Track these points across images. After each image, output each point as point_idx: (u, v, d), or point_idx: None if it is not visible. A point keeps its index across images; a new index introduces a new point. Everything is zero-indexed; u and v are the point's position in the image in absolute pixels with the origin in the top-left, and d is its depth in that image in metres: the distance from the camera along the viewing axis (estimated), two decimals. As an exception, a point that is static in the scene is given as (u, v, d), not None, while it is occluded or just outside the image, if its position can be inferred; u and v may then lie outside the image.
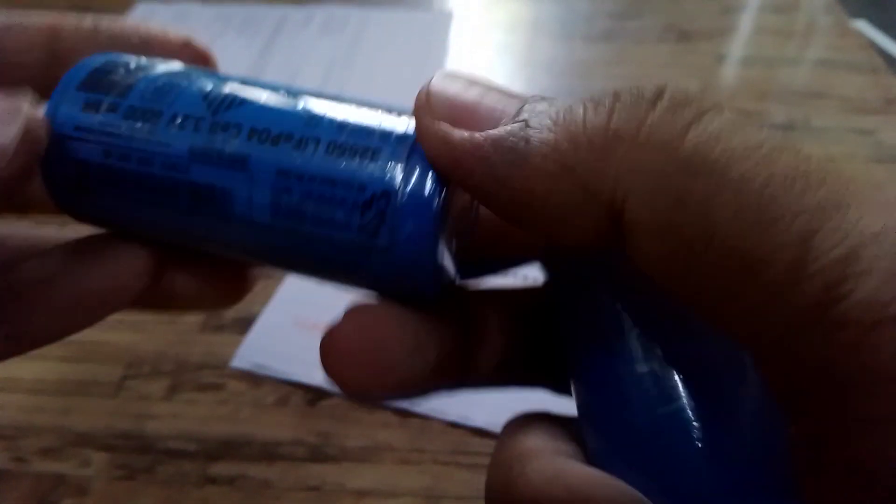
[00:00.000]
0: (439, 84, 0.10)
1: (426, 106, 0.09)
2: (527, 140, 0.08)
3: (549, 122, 0.08)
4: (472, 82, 0.10)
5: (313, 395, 0.23)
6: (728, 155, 0.07)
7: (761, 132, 0.08)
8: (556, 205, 0.08)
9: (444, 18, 0.44)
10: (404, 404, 0.22)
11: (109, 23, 0.12)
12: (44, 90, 0.11)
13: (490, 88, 0.09)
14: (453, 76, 0.10)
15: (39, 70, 0.12)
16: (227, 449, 0.21)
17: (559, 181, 0.08)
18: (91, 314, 0.11)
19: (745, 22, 0.45)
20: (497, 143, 0.09)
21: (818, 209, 0.07)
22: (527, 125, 0.08)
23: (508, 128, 0.09)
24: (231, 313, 0.25)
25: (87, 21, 0.12)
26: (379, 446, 0.21)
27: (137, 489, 0.20)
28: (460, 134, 0.09)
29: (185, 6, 0.45)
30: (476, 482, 0.20)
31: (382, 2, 0.45)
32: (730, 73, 0.40)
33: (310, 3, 0.45)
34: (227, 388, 0.23)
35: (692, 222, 0.07)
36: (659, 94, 0.08)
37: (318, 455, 0.21)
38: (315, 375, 0.23)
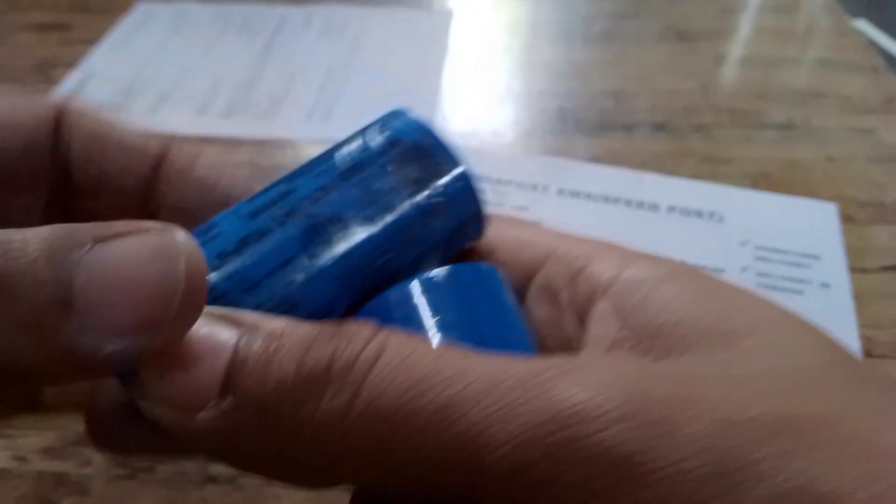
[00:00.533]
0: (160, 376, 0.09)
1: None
2: (235, 430, 0.09)
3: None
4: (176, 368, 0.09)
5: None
6: (392, 406, 0.08)
7: (425, 351, 0.09)
8: None
9: (444, 18, 0.44)
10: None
11: (205, 159, 0.13)
12: (126, 206, 0.12)
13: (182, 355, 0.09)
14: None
15: (130, 194, 0.12)
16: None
17: None
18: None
19: (745, 22, 0.45)
20: (208, 434, 0.09)
21: (478, 421, 0.08)
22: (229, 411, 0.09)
23: (214, 414, 0.09)
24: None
25: (190, 154, 0.13)
26: (379, 445, 0.21)
27: (138, 488, 0.20)
28: (174, 420, 0.09)
29: (184, 6, 0.45)
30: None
31: (382, 1, 0.45)
32: (729, 73, 0.40)
33: (310, 3, 0.45)
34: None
35: None
36: (325, 380, 0.08)
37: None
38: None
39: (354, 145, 0.12)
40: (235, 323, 0.09)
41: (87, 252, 0.08)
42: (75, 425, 0.22)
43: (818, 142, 0.34)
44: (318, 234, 0.10)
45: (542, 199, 0.31)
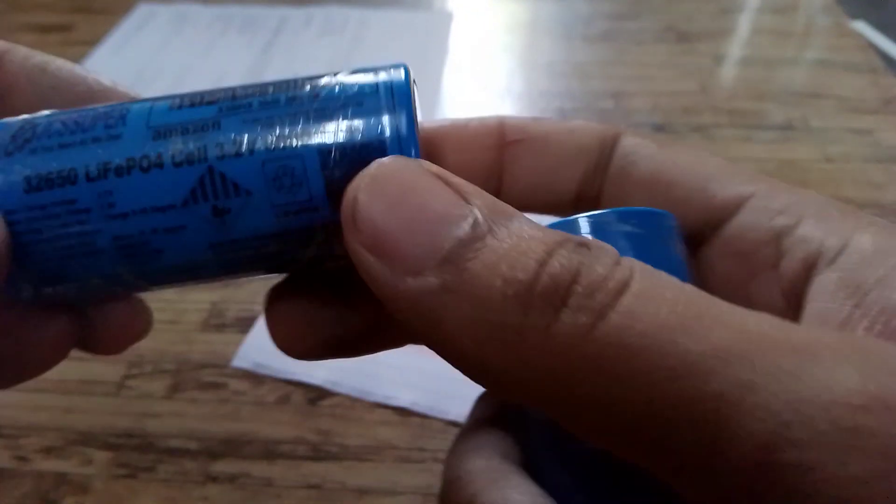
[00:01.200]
0: (365, 201, 0.08)
1: (352, 225, 0.08)
2: (444, 308, 0.08)
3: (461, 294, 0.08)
4: (401, 198, 0.08)
5: (314, 393, 0.23)
6: (639, 342, 0.07)
7: (675, 289, 0.07)
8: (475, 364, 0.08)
9: (444, 19, 0.44)
10: (405, 404, 0.22)
11: (59, 65, 0.12)
12: None
13: (419, 209, 0.08)
14: (385, 183, 0.08)
15: None
16: (229, 447, 0.21)
17: (474, 357, 0.08)
18: (15, 378, 0.11)
19: (744, 23, 0.45)
20: (413, 301, 0.08)
21: (741, 385, 0.07)
22: (444, 289, 0.08)
23: (426, 285, 0.08)
24: (232, 312, 0.25)
25: (38, 57, 0.12)
26: (379, 445, 0.21)
27: (139, 487, 0.20)
28: (382, 274, 0.08)
29: (185, 6, 0.45)
30: (476, 480, 0.20)
31: (382, 2, 0.45)
32: (728, 73, 0.40)
33: (310, 4, 0.45)
34: (228, 387, 0.23)
35: (618, 410, 0.07)
36: (567, 291, 0.07)
37: (318, 453, 0.21)
38: (316, 375, 0.23)
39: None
40: (477, 198, 0.08)
41: None
42: (76, 424, 0.22)
43: (817, 142, 0.34)
44: (205, 193, 0.09)
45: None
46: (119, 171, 0.09)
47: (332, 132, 0.09)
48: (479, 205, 0.08)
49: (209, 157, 0.09)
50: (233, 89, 0.09)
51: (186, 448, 0.21)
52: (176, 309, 0.25)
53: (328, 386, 0.23)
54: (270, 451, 0.21)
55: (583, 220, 0.10)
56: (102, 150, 0.09)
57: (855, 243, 0.09)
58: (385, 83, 0.09)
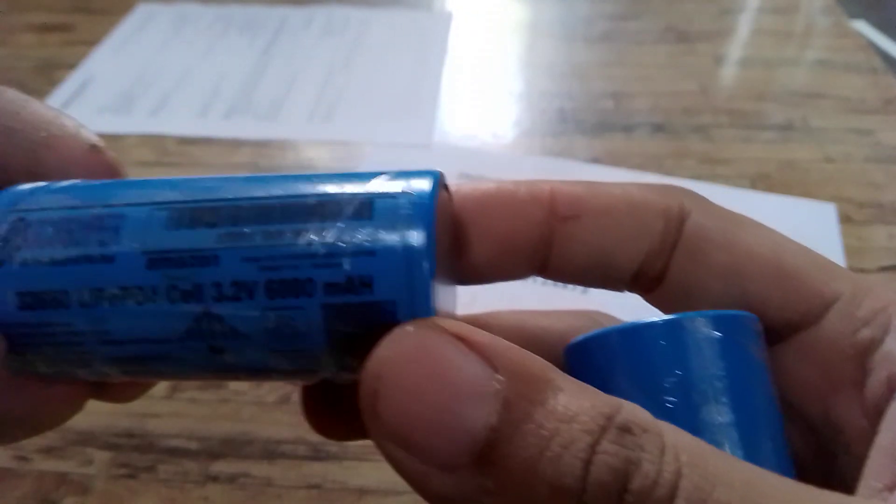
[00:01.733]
0: (386, 394, 0.07)
1: (372, 416, 0.08)
2: None
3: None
4: (425, 384, 0.07)
5: (314, 394, 0.23)
6: None
7: (726, 487, 0.07)
8: None
9: (444, 19, 0.44)
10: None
11: (29, 107, 0.11)
12: None
13: (444, 392, 0.07)
14: (405, 368, 0.07)
15: None
16: (229, 447, 0.21)
17: None
18: (28, 433, 0.10)
19: (744, 23, 0.45)
20: (450, 501, 0.07)
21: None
22: (482, 491, 0.07)
23: (462, 487, 0.07)
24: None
25: (9, 101, 0.11)
26: (380, 445, 0.21)
27: (139, 488, 0.20)
28: (414, 469, 0.07)
29: (186, 7, 0.45)
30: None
31: (382, 3, 0.45)
32: (728, 74, 0.40)
33: (310, 4, 0.45)
34: (228, 387, 0.23)
35: None
36: (619, 501, 0.07)
37: (319, 453, 0.21)
38: (316, 374, 0.23)
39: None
40: (504, 362, 0.07)
41: None
42: (76, 424, 0.22)
43: (817, 142, 0.34)
44: (202, 333, 0.08)
45: (541, 200, 0.31)
46: (113, 300, 0.08)
47: (339, 285, 0.08)
48: (507, 372, 0.07)
49: (205, 297, 0.08)
50: (236, 206, 0.08)
51: (187, 448, 0.21)
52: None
53: (328, 386, 0.23)
54: (271, 451, 0.21)
55: (663, 326, 0.09)
56: (95, 274, 0.08)
57: None
58: (405, 228, 0.08)
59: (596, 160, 0.33)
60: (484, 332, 0.08)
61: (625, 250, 0.10)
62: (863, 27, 0.99)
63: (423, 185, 0.08)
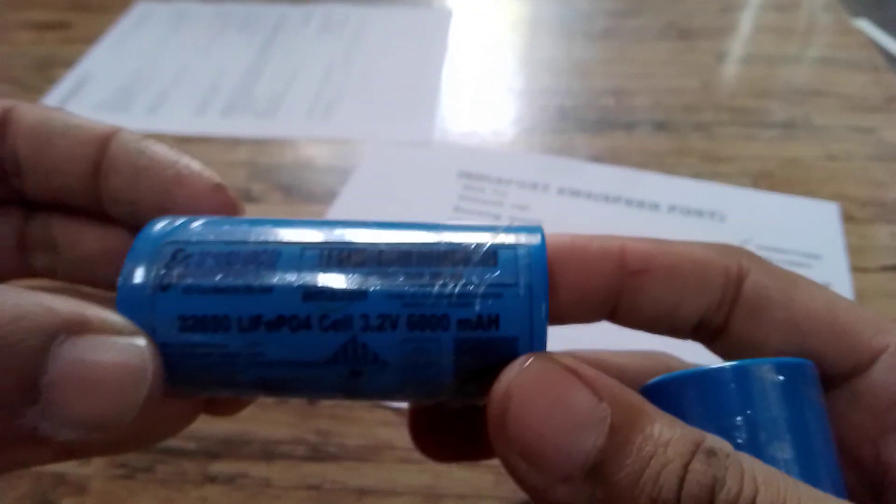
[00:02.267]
0: (516, 414, 0.09)
1: (500, 431, 0.09)
2: None
3: None
4: (550, 409, 0.09)
5: (313, 393, 0.23)
6: None
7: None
8: None
9: (444, 16, 0.44)
10: (404, 404, 0.22)
11: (155, 148, 0.12)
12: (76, 195, 0.12)
13: (565, 417, 0.09)
14: (534, 395, 0.09)
15: (79, 179, 0.12)
16: (227, 448, 0.21)
17: None
18: (144, 444, 0.11)
19: (746, 20, 0.44)
20: None
21: None
22: (593, 501, 0.09)
23: (576, 496, 0.09)
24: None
25: (136, 141, 0.12)
26: (379, 445, 0.21)
27: (137, 488, 0.20)
28: (534, 480, 0.09)
29: (184, 5, 0.45)
30: (476, 481, 0.20)
31: (382, 0, 0.45)
32: (730, 71, 0.40)
33: (309, 1, 0.45)
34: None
35: None
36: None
37: (318, 454, 0.21)
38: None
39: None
40: (608, 394, 0.09)
41: (60, 345, 0.08)
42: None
43: (819, 140, 0.34)
44: (346, 358, 0.10)
45: (542, 198, 0.31)
46: (270, 327, 0.09)
47: (471, 321, 0.10)
48: (611, 403, 0.09)
49: (354, 327, 0.09)
50: (378, 250, 0.10)
51: (185, 448, 0.21)
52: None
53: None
54: (269, 452, 0.21)
55: (733, 371, 0.10)
56: (255, 303, 0.09)
57: None
58: (525, 277, 0.10)
59: (597, 158, 0.33)
60: (588, 367, 0.09)
61: (688, 304, 0.11)
62: (865, 25, 0.98)
63: (535, 238, 0.10)
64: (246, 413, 0.22)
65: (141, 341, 0.09)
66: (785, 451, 0.10)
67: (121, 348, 0.09)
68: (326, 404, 0.22)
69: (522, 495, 0.20)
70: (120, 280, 0.10)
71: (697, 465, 0.08)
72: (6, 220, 0.13)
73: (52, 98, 0.37)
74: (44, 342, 0.08)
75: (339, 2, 0.45)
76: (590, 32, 0.42)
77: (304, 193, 0.31)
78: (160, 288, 0.10)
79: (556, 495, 0.09)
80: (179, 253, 0.10)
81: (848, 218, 0.30)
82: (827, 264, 0.27)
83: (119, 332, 0.09)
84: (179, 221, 0.10)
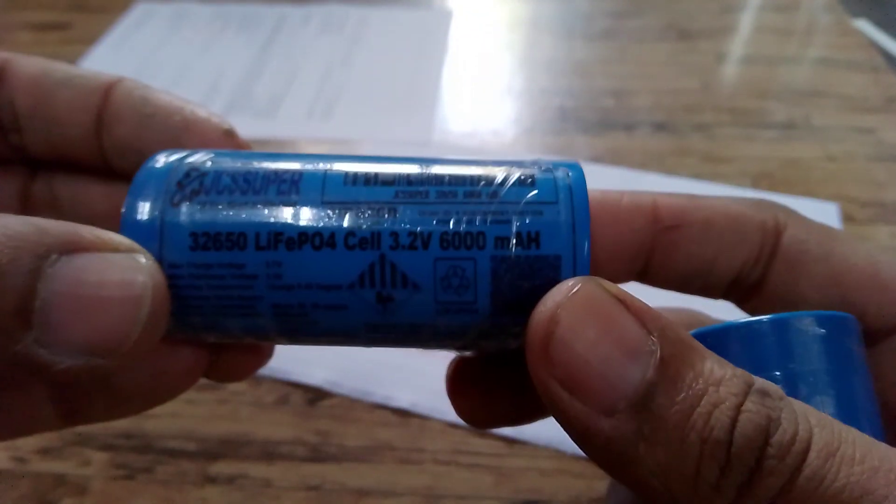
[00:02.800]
0: (565, 337, 0.08)
1: (542, 356, 0.08)
2: (637, 452, 0.08)
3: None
4: (601, 335, 0.08)
5: (313, 394, 0.23)
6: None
7: (851, 444, 0.08)
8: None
9: (444, 16, 0.44)
10: (404, 405, 0.22)
11: (160, 96, 0.12)
12: (80, 149, 0.11)
13: (615, 346, 0.08)
14: (584, 317, 0.08)
15: (82, 130, 0.12)
16: (227, 448, 0.21)
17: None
18: (146, 404, 0.11)
19: (746, 21, 0.45)
20: (607, 441, 0.08)
21: None
22: (639, 435, 0.08)
23: (622, 429, 0.08)
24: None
25: (141, 89, 0.12)
26: (379, 446, 0.21)
27: (137, 489, 0.20)
28: (575, 410, 0.08)
29: (184, 5, 0.45)
30: (476, 482, 0.20)
31: (382, 0, 0.45)
32: (730, 71, 0.40)
33: (309, 2, 0.45)
34: (226, 388, 0.23)
35: None
36: (761, 452, 0.08)
37: (317, 454, 0.21)
38: (315, 375, 0.23)
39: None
40: (657, 327, 0.08)
41: (53, 265, 0.08)
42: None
43: (819, 141, 0.34)
44: (373, 280, 0.09)
45: (542, 199, 0.31)
46: (290, 245, 0.09)
47: (508, 238, 0.09)
48: (661, 336, 0.08)
49: (383, 245, 0.09)
50: (407, 172, 0.09)
51: (184, 449, 0.21)
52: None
53: (327, 387, 0.23)
54: (269, 452, 0.21)
55: (773, 323, 0.10)
56: (275, 219, 0.09)
57: None
58: (565, 196, 0.09)
59: (597, 158, 0.33)
60: (638, 298, 0.09)
61: (724, 260, 0.11)
62: (864, 26, 0.98)
63: (573, 167, 0.10)
64: (246, 414, 0.22)
65: (141, 258, 0.08)
66: (826, 404, 0.09)
67: (119, 265, 0.08)
68: (326, 405, 0.22)
69: (523, 495, 0.20)
70: (126, 203, 0.09)
71: (751, 406, 0.08)
72: (7, 179, 0.12)
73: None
74: (35, 262, 0.08)
75: (338, 2, 0.45)
76: (590, 33, 0.42)
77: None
78: (171, 203, 0.09)
79: (599, 429, 0.08)
80: (193, 171, 0.09)
81: (847, 218, 0.30)
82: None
83: (116, 248, 0.08)
84: (182, 153, 0.10)
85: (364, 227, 0.09)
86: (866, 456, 0.08)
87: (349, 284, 0.09)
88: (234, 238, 0.09)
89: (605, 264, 0.11)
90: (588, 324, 0.08)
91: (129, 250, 0.08)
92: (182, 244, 0.09)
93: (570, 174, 0.09)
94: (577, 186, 0.09)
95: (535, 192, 0.09)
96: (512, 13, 0.45)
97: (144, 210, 0.09)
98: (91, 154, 0.12)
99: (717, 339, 0.10)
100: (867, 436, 0.08)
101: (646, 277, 0.11)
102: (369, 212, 0.09)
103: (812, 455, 0.08)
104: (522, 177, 0.09)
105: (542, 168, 0.09)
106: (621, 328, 0.08)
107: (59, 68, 0.12)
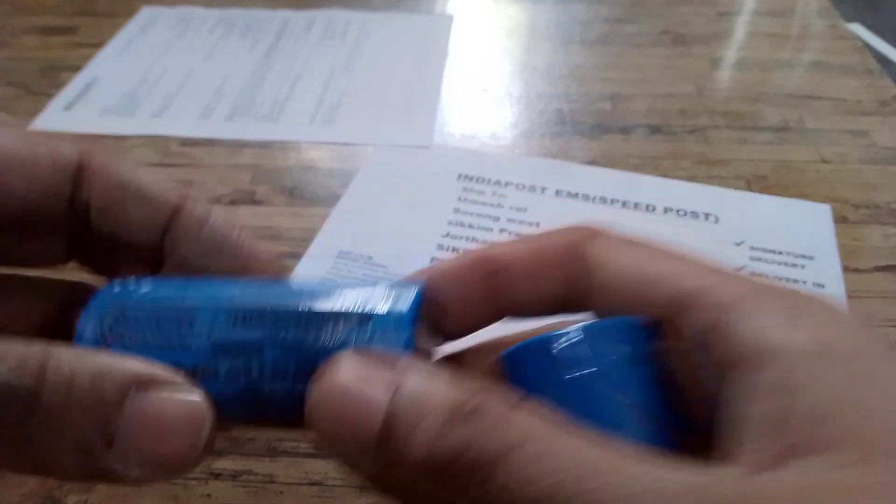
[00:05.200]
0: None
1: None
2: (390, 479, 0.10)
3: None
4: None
5: (316, 391, 0.23)
6: None
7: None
8: None
9: (445, 22, 0.45)
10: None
11: (223, 224, 0.13)
12: (139, 261, 0.13)
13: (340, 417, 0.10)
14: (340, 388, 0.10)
15: (145, 244, 0.13)
16: (232, 445, 0.21)
17: None
18: None
19: (740, 26, 0.45)
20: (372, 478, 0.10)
21: None
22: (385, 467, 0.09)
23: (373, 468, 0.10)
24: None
25: (204, 216, 0.13)
26: (380, 442, 0.22)
27: (142, 485, 0.20)
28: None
29: (188, 9, 0.45)
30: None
31: (383, 6, 0.46)
32: (725, 76, 0.40)
33: (311, 8, 0.46)
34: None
35: None
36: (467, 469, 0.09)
37: (320, 450, 0.21)
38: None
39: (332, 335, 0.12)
40: (391, 367, 0.10)
41: (131, 399, 0.10)
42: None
43: (812, 144, 0.35)
44: (248, 400, 0.12)
45: (540, 201, 0.31)
46: (186, 374, 0.12)
47: None
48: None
49: (252, 375, 0.12)
50: (276, 311, 0.12)
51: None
52: (179, 308, 0.26)
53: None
54: (273, 449, 0.21)
55: (556, 337, 0.11)
56: (175, 356, 0.12)
57: (786, 343, 0.09)
58: (393, 339, 0.12)
59: (593, 161, 0.33)
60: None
61: (542, 289, 0.12)
62: (858, 30, 0.99)
63: (405, 303, 0.12)
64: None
65: (196, 395, 0.11)
66: (620, 405, 0.11)
67: (180, 400, 0.11)
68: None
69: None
70: (76, 331, 0.12)
71: (456, 420, 0.09)
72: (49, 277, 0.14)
73: (59, 102, 0.38)
74: (119, 396, 0.10)
75: (340, 8, 0.46)
76: (587, 38, 0.43)
77: (307, 196, 0.31)
78: (105, 343, 0.12)
79: (365, 468, 0.10)
80: (122, 315, 0.12)
81: (841, 220, 0.30)
82: (820, 265, 0.28)
83: (178, 385, 0.11)
84: (129, 287, 0.13)
85: (239, 362, 0.12)
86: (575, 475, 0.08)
87: (226, 401, 0.12)
88: None
89: (465, 322, 0.13)
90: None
91: (190, 387, 0.11)
92: None
93: (397, 316, 0.12)
94: (404, 326, 0.12)
95: (367, 334, 0.12)
96: (511, 19, 0.46)
97: (89, 343, 0.12)
98: (149, 263, 0.13)
99: (520, 354, 0.12)
100: (599, 450, 0.09)
101: (506, 317, 0.13)
102: (244, 350, 0.12)
103: (512, 463, 0.08)
104: (361, 318, 0.12)
105: (377, 310, 0.12)
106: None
107: (133, 182, 0.13)
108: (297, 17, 0.45)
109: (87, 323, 0.12)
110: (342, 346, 0.12)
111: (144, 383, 0.10)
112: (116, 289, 0.13)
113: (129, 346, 0.12)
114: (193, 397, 0.11)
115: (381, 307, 0.12)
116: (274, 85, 0.39)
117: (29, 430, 0.09)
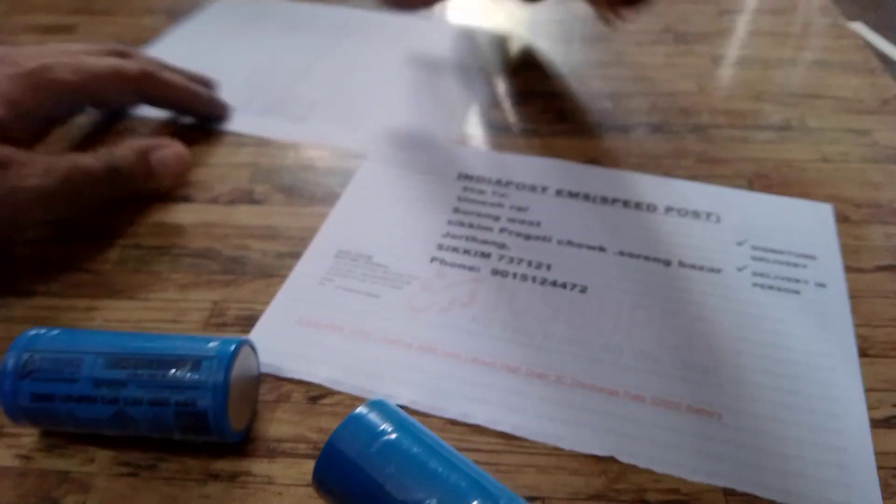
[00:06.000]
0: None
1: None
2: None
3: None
4: None
5: (315, 392, 0.23)
6: None
7: None
8: None
9: (445, 25, 0.44)
10: (404, 402, 0.22)
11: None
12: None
13: None
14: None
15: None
16: (230, 446, 0.21)
17: None
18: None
19: (742, 24, 0.45)
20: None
21: None
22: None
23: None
24: (233, 312, 0.25)
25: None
26: (379, 443, 0.21)
27: (140, 486, 0.20)
28: None
29: (193, 14, 0.45)
30: (475, 478, 0.20)
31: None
32: (726, 74, 0.40)
33: (313, 8, 0.45)
34: (229, 386, 0.23)
35: None
36: None
37: (319, 451, 0.21)
38: (317, 373, 0.23)
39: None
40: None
41: (152, 153, 0.28)
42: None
43: (814, 142, 0.35)
44: (118, 419, 0.19)
45: (541, 200, 0.31)
46: (76, 400, 0.19)
47: (183, 402, 0.19)
48: None
49: (120, 401, 0.19)
50: (136, 357, 0.19)
51: (188, 446, 0.21)
52: (177, 308, 0.26)
53: (329, 384, 0.23)
54: (271, 450, 0.21)
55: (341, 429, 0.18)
56: (68, 388, 0.19)
57: None
58: (213, 379, 0.19)
59: (594, 160, 0.33)
60: None
61: None
62: (860, 29, 0.99)
63: (228, 349, 0.20)
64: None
65: (181, 147, 0.29)
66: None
67: (173, 149, 0.29)
68: (327, 402, 0.23)
69: (520, 492, 0.20)
70: (4, 358, 0.19)
71: None
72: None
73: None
74: (147, 153, 0.28)
75: (341, 8, 0.46)
76: (587, 36, 0.43)
77: (306, 195, 0.31)
78: (21, 377, 0.19)
79: None
80: (30, 358, 0.19)
81: (843, 219, 0.30)
82: (822, 265, 0.28)
83: (172, 145, 0.29)
84: (41, 333, 0.20)
85: (111, 393, 0.19)
86: None
87: (105, 420, 0.19)
88: (50, 395, 0.19)
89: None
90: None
91: (177, 145, 0.29)
92: (27, 398, 0.19)
93: (219, 359, 0.19)
94: (221, 367, 0.19)
95: (197, 375, 0.19)
96: (510, 17, 0.45)
97: (10, 377, 0.19)
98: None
99: (353, 423, 0.17)
100: None
101: None
102: (114, 384, 0.19)
103: None
104: (194, 362, 0.19)
105: (207, 355, 0.19)
106: None
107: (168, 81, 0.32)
108: (300, 16, 0.45)
109: (9, 357, 0.19)
110: (180, 382, 0.18)
111: (160, 146, 0.28)
112: (32, 332, 0.20)
113: (37, 377, 0.19)
114: (179, 148, 0.28)
115: (210, 353, 0.19)
116: (275, 85, 0.39)
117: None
